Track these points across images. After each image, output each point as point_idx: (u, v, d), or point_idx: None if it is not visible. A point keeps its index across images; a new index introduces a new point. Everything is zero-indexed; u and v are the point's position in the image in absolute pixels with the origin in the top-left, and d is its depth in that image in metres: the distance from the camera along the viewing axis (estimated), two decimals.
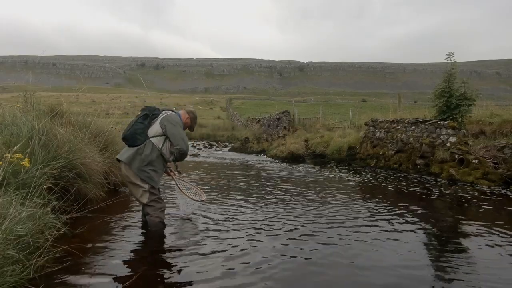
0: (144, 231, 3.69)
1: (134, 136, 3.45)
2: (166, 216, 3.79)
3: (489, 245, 3.43)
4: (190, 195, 4.09)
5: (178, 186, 4.10)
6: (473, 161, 7.37)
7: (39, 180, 3.21)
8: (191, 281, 2.58)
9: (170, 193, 5.15)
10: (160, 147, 3.48)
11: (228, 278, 2.63)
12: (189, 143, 3.62)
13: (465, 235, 3.82)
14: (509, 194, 6.09)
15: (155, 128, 3.52)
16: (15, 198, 2.72)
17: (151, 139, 3.48)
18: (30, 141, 3.57)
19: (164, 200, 3.82)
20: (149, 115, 3.59)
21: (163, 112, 3.68)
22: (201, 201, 4.30)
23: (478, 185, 6.82)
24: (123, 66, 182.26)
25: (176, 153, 3.53)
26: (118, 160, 3.53)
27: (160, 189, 3.84)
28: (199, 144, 21.03)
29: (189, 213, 4.27)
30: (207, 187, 6.53)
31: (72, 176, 3.94)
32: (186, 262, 2.93)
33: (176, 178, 4.10)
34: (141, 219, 3.97)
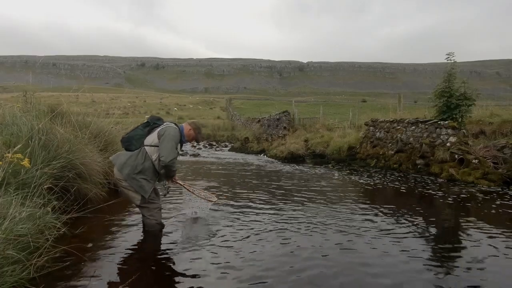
0: (144, 231, 3.69)
1: (130, 141, 3.48)
2: (169, 216, 3.80)
3: (489, 245, 3.43)
4: (201, 195, 4.07)
5: (186, 188, 4.07)
6: (473, 161, 7.37)
7: (39, 180, 3.21)
8: (191, 282, 2.58)
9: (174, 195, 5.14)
10: (153, 157, 3.44)
11: (228, 279, 2.63)
12: (180, 153, 3.54)
13: (465, 235, 3.82)
14: (509, 194, 6.08)
15: (152, 137, 3.49)
16: (15, 198, 2.73)
17: (145, 147, 3.45)
18: (30, 141, 3.57)
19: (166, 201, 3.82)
20: (150, 123, 3.59)
21: (165, 123, 3.65)
22: (213, 202, 4.26)
23: (478, 185, 6.82)
24: (123, 66, 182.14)
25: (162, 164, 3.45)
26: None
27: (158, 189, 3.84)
28: (199, 144, 21.02)
29: (197, 215, 4.25)
30: (208, 187, 6.52)
31: (72, 176, 3.94)
32: (187, 262, 2.94)
33: (184, 184, 4.05)
34: (142, 219, 3.97)
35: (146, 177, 3.42)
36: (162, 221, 3.72)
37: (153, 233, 3.58)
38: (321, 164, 10.93)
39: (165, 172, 3.57)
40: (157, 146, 3.45)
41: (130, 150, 3.48)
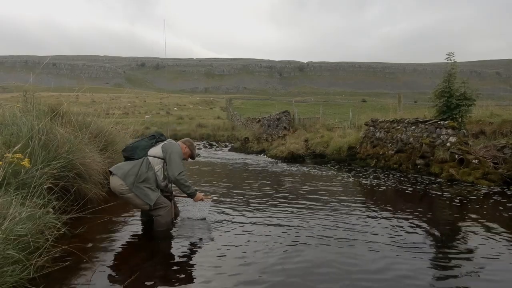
0: (144, 231, 3.70)
1: (135, 150, 3.58)
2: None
3: (489, 245, 3.43)
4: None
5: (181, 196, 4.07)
6: (473, 161, 7.37)
7: (39, 180, 3.21)
8: (191, 282, 2.58)
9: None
10: (155, 168, 3.56)
11: (228, 280, 2.63)
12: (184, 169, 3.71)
13: (465, 235, 3.82)
14: (509, 194, 6.08)
15: (156, 150, 3.63)
16: (15, 198, 2.73)
17: (149, 157, 3.56)
18: (30, 141, 3.57)
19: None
20: (156, 137, 3.77)
21: (168, 139, 3.85)
22: (211, 200, 4.25)
23: (478, 185, 6.81)
24: (123, 66, 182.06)
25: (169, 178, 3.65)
26: (110, 172, 3.51)
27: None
28: (199, 144, 21.02)
29: (200, 217, 4.25)
30: (208, 187, 6.53)
31: (72, 176, 3.94)
32: (187, 262, 2.94)
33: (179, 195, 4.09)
34: (140, 219, 3.99)
35: (150, 186, 3.49)
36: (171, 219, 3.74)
37: (153, 233, 3.59)
38: (321, 164, 10.93)
39: (182, 191, 3.70)
40: (160, 158, 3.58)
41: (132, 159, 3.54)
